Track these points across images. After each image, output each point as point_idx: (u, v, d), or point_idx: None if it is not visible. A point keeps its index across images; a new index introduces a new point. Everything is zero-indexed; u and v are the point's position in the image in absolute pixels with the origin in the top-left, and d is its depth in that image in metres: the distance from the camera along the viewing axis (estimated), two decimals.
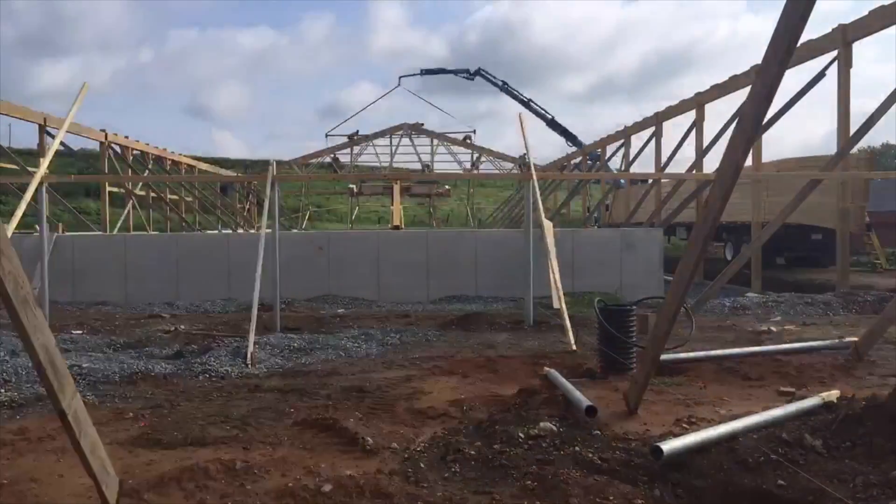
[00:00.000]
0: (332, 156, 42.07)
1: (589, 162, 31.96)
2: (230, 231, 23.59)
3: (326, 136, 43.00)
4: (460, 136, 42.35)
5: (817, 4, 4.06)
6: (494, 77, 41.30)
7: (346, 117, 77.89)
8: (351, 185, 31.58)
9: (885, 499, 3.63)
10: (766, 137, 17.37)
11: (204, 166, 35.26)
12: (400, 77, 44.93)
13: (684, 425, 5.14)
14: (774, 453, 4.19)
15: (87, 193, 47.26)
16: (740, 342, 8.96)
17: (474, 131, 46.08)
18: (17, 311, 2.99)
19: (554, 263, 11.19)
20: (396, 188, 25.25)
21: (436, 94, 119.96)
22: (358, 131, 42.67)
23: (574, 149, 37.18)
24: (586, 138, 35.85)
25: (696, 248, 4.93)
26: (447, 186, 34.02)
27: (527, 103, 40.51)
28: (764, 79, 4.19)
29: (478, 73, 41.86)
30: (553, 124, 40.02)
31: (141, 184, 23.51)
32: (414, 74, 44.73)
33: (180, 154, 31.52)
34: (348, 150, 42.55)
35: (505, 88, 40.89)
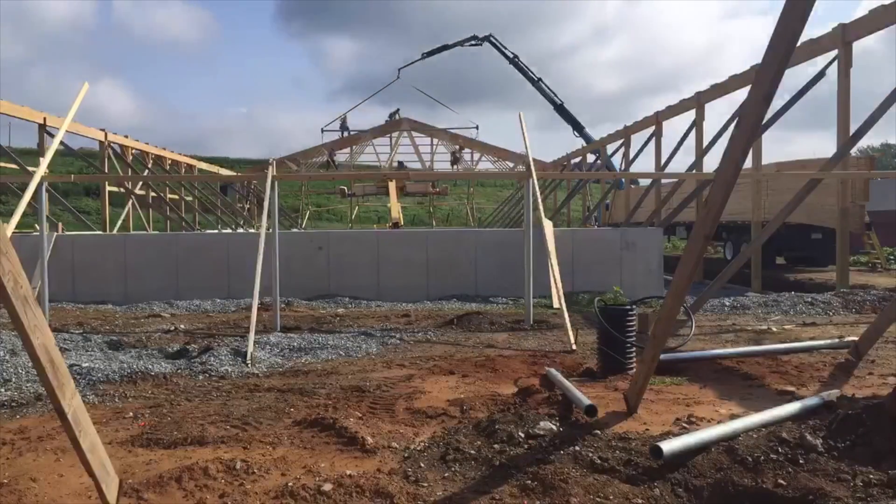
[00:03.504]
0: (328, 153, 41.39)
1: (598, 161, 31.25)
2: (230, 230, 23.59)
3: (322, 131, 42.27)
4: (462, 133, 41.75)
5: (817, 4, 4.07)
6: (505, 47, 39.63)
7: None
8: (341, 187, 31.02)
9: (885, 499, 3.63)
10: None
11: (204, 166, 35.23)
12: (399, 69, 43.43)
13: (684, 425, 5.15)
14: (774, 453, 4.19)
15: (87, 193, 47.40)
16: (740, 342, 8.96)
17: (477, 127, 45.51)
18: (17, 310, 2.99)
19: (554, 263, 11.21)
20: (392, 184, 25.19)
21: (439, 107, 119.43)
22: (346, 115, 41.62)
23: (580, 139, 36.76)
24: None
25: (695, 247, 4.93)
26: (444, 185, 33.81)
27: (536, 82, 39.32)
28: (763, 78, 4.18)
29: (487, 39, 39.59)
30: (561, 110, 39.05)
31: (141, 183, 23.51)
32: (414, 62, 42.90)
33: (180, 153, 31.51)
34: (347, 149, 42.36)
35: (515, 62, 39.20)
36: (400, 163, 41.27)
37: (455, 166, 39.75)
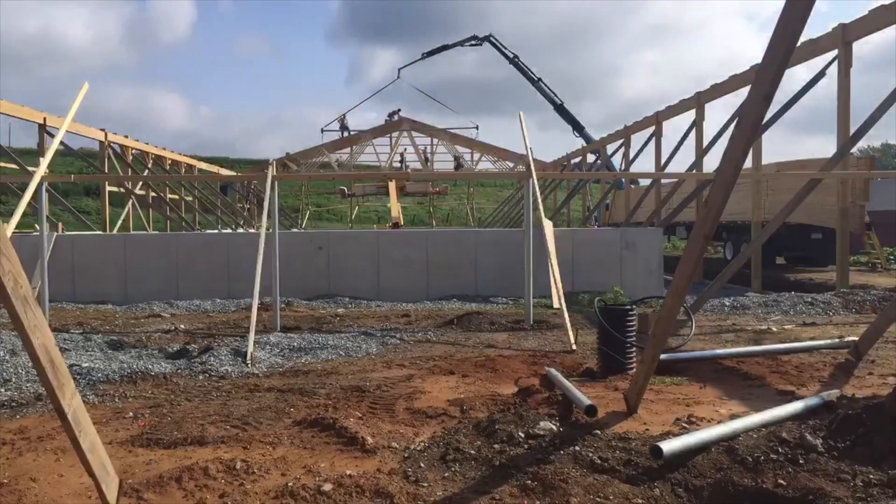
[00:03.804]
0: (347, 157, 41.52)
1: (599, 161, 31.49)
2: (230, 230, 23.59)
3: (322, 131, 42.33)
4: (462, 133, 41.78)
5: (817, 4, 4.07)
6: (505, 47, 39.91)
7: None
8: (342, 187, 31.08)
9: (885, 498, 3.63)
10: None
11: (204, 166, 35.23)
12: (399, 69, 43.89)
13: (684, 425, 5.15)
14: (774, 453, 4.19)
15: (87, 193, 47.42)
16: (740, 342, 8.96)
17: (477, 127, 45.61)
18: (17, 310, 2.99)
19: (554, 263, 11.21)
20: (392, 184, 25.22)
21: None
22: (345, 115, 41.73)
23: (580, 139, 36.95)
24: None
25: (695, 247, 4.93)
26: (444, 185, 33.84)
27: (536, 82, 39.66)
28: (763, 78, 4.18)
29: (487, 39, 40.14)
30: (561, 110, 39.32)
31: (141, 183, 23.52)
32: (414, 62, 43.51)
33: (180, 153, 31.52)
34: (347, 149, 42.33)
35: (515, 62, 39.52)
36: (401, 155, 41.34)
37: (457, 170, 39.84)
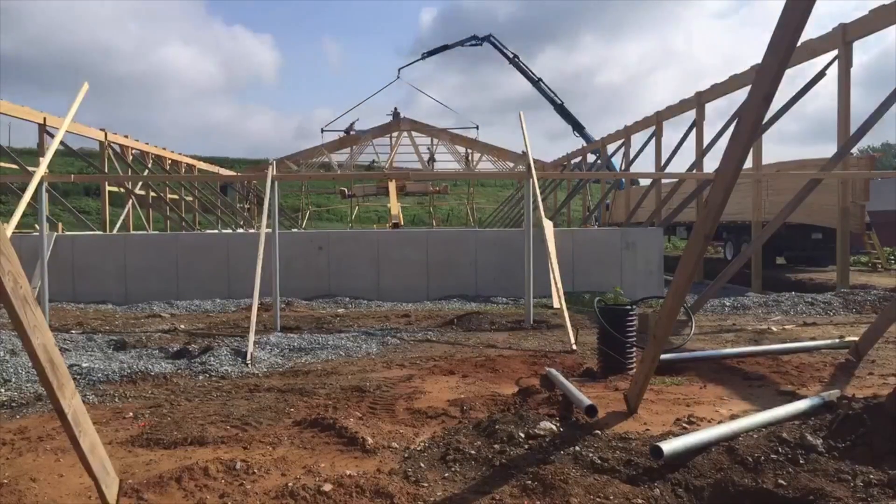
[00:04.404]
0: (372, 160, 41.41)
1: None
2: (230, 230, 23.57)
3: (322, 131, 42.14)
4: (462, 133, 41.78)
5: (817, 4, 4.06)
6: (505, 47, 40.19)
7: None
8: (342, 188, 31.00)
9: (885, 499, 3.63)
10: None
11: (203, 166, 35.23)
12: (399, 69, 43.96)
13: (684, 425, 5.15)
14: (774, 453, 4.19)
15: (87, 193, 47.44)
16: (740, 342, 8.96)
17: (477, 127, 45.63)
18: (17, 310, 2.98)
19: (554, 263, 11.20)
20: (392, 184, 25.23)
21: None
22: (353, 124, 41.69)
23: (580, 139, 37.04)
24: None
25: (695, 247, 4.93)
26: (444, 183, 33.85)
27: (536, 82, 39.85)
28: (763, 79, 4.18)
29: (487, 39, 40.42)
30: (562, 110, 39.53)
31: (141, 183, 23.51)
32: (414, 62, 43.64)
33: (180, 153, 31.52)
34: (347, 149, 42.27)
35: (515, 62, 39.79)
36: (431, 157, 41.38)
37: (468, 162, 39.89)
